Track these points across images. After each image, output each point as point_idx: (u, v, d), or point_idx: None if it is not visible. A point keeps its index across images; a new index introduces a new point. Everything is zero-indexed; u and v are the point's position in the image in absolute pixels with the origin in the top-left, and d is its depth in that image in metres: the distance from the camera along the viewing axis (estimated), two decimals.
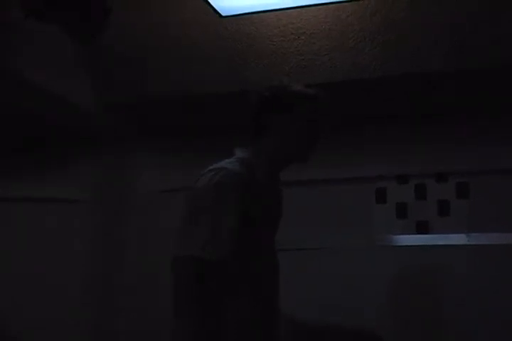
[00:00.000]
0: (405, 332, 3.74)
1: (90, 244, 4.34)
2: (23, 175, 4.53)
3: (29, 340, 4.15)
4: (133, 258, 4.27)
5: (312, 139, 2.44)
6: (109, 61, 3.58)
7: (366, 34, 3.29)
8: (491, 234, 3.72)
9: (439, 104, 3.79)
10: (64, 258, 4.32)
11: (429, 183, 3.94)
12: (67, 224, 4.38)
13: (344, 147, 4.01)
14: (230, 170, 2.27)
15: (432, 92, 3.58)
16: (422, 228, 3.90)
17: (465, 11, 3.11)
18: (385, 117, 3.92)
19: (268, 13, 3.25)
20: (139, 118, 4.07)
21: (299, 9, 3.25)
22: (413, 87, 3.52)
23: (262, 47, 3.42)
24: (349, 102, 3.63)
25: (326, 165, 3.79)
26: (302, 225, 3.87)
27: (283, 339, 2.43)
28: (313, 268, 3.92)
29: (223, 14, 3.20)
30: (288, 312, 2.51)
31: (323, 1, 3.15)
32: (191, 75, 3.54)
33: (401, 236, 3.91)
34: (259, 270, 2.35)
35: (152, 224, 4.24)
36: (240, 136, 2.44)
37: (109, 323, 4.19)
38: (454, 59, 3.23)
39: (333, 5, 3.19)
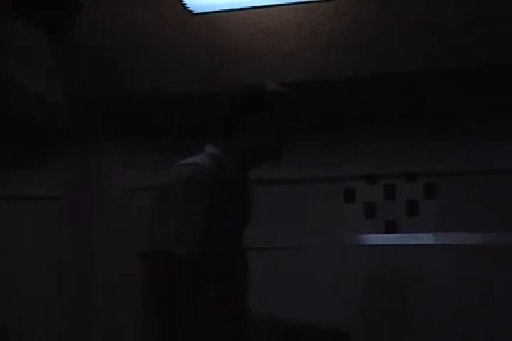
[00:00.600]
0: (374, 331, 3.78)
1: (64, 242, 4.28)
2: None
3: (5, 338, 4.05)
4: (105, 256, 4.22)
5: (286, 138, 2.43)
6: (82, 58, 3.52)
7: (337, 34, 3.28)
8: (458, 234, 3.76)
9: (410, 105, 3.80)
10: (37, 255, 4.25)
11: (398, 183, 3.95)
12: (41, 222, 4.31)
13: (313, 147, 4.00)
14: (200, 165, 2.25)
15: (403, 93, 3.58)
16: (390, 228, 3.92)
17: (436, 10, 3.10)
18: (355, 117, 3.92)
19: (240, 12, 3.20)
20: (114, 117, 4.01)
21: (269, 8, 3.20)
22: (384, 88, 3.51)
23: (234, 45, 3.39)
24: (319, 102, 3.60)
25: (296, 165, 3.77)
26: (272, 224, 3.87)
27: (255, 337, 2.38)
28: (283, 267, 3.93)
29: (195, 12, 3.15)
30: (260, 311, 2.46)
31: (294, 1, 3.12)
32: (163, 74, 3.50)
33: (370, 236, 3.93)
34: (228, 267, 2.33)
35: (125, 221, 4.20)
36: (213, 135, 2.41)
37: (84, 322, 4.16)
38: (426, 59, 3.23)
39: (304, 4, 3.17)
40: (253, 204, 2.56)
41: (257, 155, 2.43)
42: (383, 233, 3.91)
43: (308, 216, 4.01)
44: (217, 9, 3.17)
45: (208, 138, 2.43)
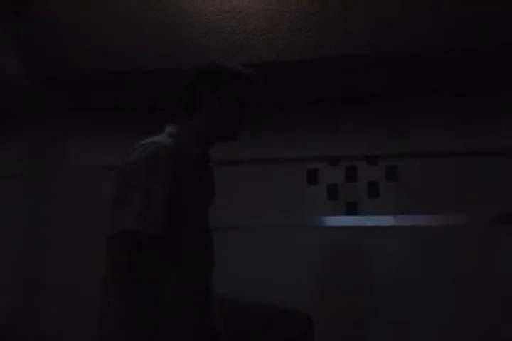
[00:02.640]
0: (336, 310, 3.79)
1: (19, 218, 4.21)
2: None
3: None
4: (60, 234, 4.15)
5: (244, 118, 2.39)
6: (40, 34, 3.40)
7: (302, 15, 3.21)
8: (417, 216, 3.77)
9: (372, 87, 3.75)
10: None
11: (360, 166, 3.93)
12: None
13: (277, 128, 3.95)
14: (160, 144, 2.21)
15: (364, 76, 3.52)
16: (351, 209, 3.90)
17: None
18: (318, 99, 3.89)
19: None
20: (71, 93, 3.90)
21: None
22: (346, 70, 3.44)
23: (198, 24, 3.29)
24: (283, 83, 3.53)
25: (261, 146, 3.76)
26: (235, 204, 3.87)
27: (218, 316, 2.38)
28: (246, 247, 3.90)
29: None
30: (223, 290, 2.43)
31: None
32: (125, 50, 3.40)
33: (331, 217, 3.90)
34: (192, 245, 2.31)
35: (81, 199, 4.14)
36: (171, 113, 2.34)
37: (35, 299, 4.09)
38: (387, 43, 3.19)
39: None
40: (215, 183, 2.49)
41: (212, 133, 2.39)
42: (344, 214, 3.90)
43: (271, 196, 3.98)
44: None
45: (166, 116, 2.36)
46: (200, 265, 2.33)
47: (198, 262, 2.31)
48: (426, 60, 3.33)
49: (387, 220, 3.80)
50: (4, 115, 4.03)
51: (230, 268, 3.42)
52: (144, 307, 2.09)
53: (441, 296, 3.66)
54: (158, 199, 2.13)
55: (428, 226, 3.72)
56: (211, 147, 2.42)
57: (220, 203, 2.57)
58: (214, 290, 2.38)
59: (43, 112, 4.10)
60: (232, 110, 2.36)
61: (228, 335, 2.36)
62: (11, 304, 4.05)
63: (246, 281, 3.63)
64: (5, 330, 3.91)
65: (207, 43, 3.30)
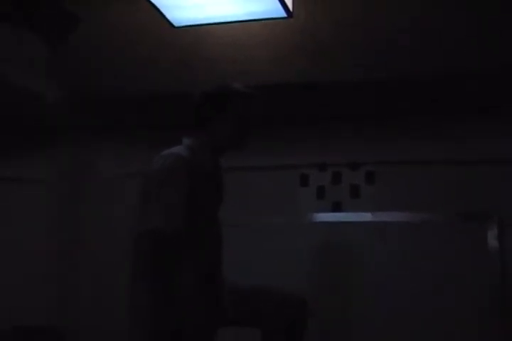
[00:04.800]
0: (326, 297, 3.76)
1: (56, 221, 4.16)
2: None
3: None
4: (95, 235, 4.11)
5: (247, 131, 2.39)
6: (78, 64, 3.41)
7: (295, 46, 3.25)
8: (392, 213, 3.78)
9: (354, 108, 3.80)
10: (29, 233, 4.14)
11: (344, 171, 3.96)
12: (35, 203, 4.21)
13: (276, 139, 3.99)
14: (177, 155, 2.23)
15: (347, 97, 3.56)
16: (336, 207, 3.91)
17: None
18: (309, 117, 3.92)
19: (215, 26, 3.11)
20: (105, 113, 3.91)
21: (241, 23, 3.11)
22: (337, 92, 3.49)
23: (207, 54, 3.33)
24: (279, 103, 3.55)
25: (261, 155, 3.78)
26: (240, 204, 3.80)
27: (226, 300, 2.33)
28: (248, 241, 3.88)
29: (176, 25, 3.05)
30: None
31: (261, 17, 3.03)
32: (146, 78, 3.42)
33: (320, 214, 3.93)
34: (205, 240, 2.29)
35: (107, 202, 4.11)
36: (187, 129, 2.36)
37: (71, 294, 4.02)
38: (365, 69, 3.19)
39: (271, 21, 3.08)
40: (225, 186, 2.49)
41: (222, 145, 2.38)
42: (330, 212, 3.92)
43: (269, 197, 4.00)
44: (194, 23, 3.04)
45: (184, 131, 2.36)
46: (211, 257, 2.32)
47: (210, 254, 2.31)
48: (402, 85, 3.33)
49: (365, 216, 3.83)
50: (44, 132, 4.02)
51: (234, 260, 3.41)
52: (166, 292, 2.08)
53: (414, 280, 3.66)
54: (177, 202, 2.14)
55: (400, 221, 3.75)
56: (221, 156, 2.42)
57: (227, 203, 2.55)
58: (223, 278, 2.37)
59: (77, 129, 4.08)
60: (237, 124, 2.35)
61: (235, 316, 2.34)
62: (48, 301, 3.99)
63: (248, 271, 3.61)
64: (42, 326, 3.84)
65: (213, 70, 3.30)
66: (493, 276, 3.51)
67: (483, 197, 3.62)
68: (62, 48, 2.83)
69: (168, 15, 2.99)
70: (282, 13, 2.95)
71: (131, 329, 2.11)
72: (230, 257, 2.42)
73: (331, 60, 3.26)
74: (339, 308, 3.75)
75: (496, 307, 3.46)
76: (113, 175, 4.15)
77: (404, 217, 3.73)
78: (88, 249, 4.07)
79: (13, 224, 4.17)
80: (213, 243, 2.34)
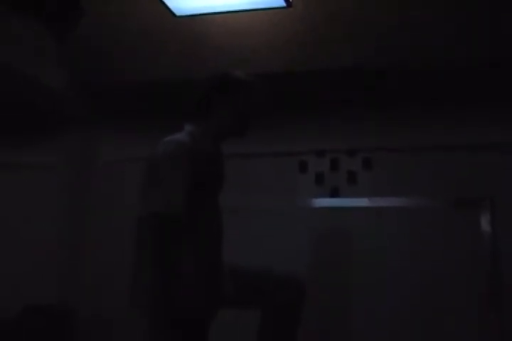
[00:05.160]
0: (323, 278, 3.77)
1: (65, 204, 4.17)
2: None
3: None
4: (100, 218, 4.12)
5: (249, 118, 2.40)
6: (83, 53, 3.41)
7: (293, 35, 3.25)
8: (388, 198, 3.79)
9: (352, 95, 3.79)
10: (41, 216, 4.18)
11: (342, 158, 3.96)
12: (44, 188, 4.23)
13: (276, 127, 3.99)
14: (179, 141, 2.24)
15: (344, 84, 3.55)
16: (334, 193, 3.93)
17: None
18: (310, 105, 3.92)
19: (216, 16, 3.11)
20: (108, 100, 3.91)
21: (241, 13, 3.12)
22: (329, 79, 3.49)
23: (209, 42, 3.34)
24: (279, 90, 3.56)
25: (263, 142, 3.77)
26: (241, 190, 3.86)
27: (227, 280, 2.36)
28: (250, 225, 3.90)
29: (177, 14, 3.05)
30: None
31: (261, 7, 3.03)
32: (152, 65, 3.42)
33: (318, 199, 3.93)
34: (206, 223, 2.31)
35: (114, 187, 4.10)
36: (189, 116, 2.37)
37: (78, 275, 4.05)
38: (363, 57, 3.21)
39: (269, 10, 3.08)
40: (225, 171, 2.50)
41: (225, 131, 2.39)
42: (329, 197, 3.92)
43: (271, 182, 4.01)
44: (196, 13, 3.04)
45: (186, 117, 2.36)
46: (212, 240, 2.33)
47: (210, 238, 2.32)
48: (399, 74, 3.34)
49: (362, 201, 3.84)
50: (51, 118, 4.02)
51: (235, 243, 3.44)
52: (167, 275, 2.09)
53: (410, 262, 3.67)
54: (179, 187, 2.15)
55: (395, 206, 3.75)
56: (223, 142, 2.43)
57: (229, 189, 2.56)
58: (223, 261, 2.38)
59: (83, 116, 4.08)
60: (239, 111, 2.36)
61: (235, 297, 2.36)
62: (63, 284, 4.03)
63: (248, 254, 3.66)
64: (52, 305, 3.85)
65: (215, 58, 3.32)
66: (485, 259, 3.52)
67: (477, 184, 3.63)
68: (68, 38, 2.83)
69: (170, 5, 3.00)
70: (282, 3, 2.96)
71: (133, 308, 2.14)
72: (230, 241, 2.44)
73: (327, 48, 3.26)
74: (337, 290, 3.76)
75: (488, 288, 3.48)
76: (115, 161, 4.15)
77: (400, 202, 3.74)
78: (94, 232, 4.10)
79: (23, 208, 4.23)
80: (214, 226, 2.35)
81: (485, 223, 3.55)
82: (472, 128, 3.69)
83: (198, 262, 2.24)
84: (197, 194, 2.23)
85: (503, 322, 3.40)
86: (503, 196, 3.56)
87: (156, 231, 2.08)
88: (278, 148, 4.02)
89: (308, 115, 3.97)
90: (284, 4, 2.95)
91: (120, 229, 3.85)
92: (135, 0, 3.00)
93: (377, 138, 3.87)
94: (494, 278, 3.48)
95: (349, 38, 3.20)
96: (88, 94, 3.76)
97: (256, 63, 3.30)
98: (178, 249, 2.17)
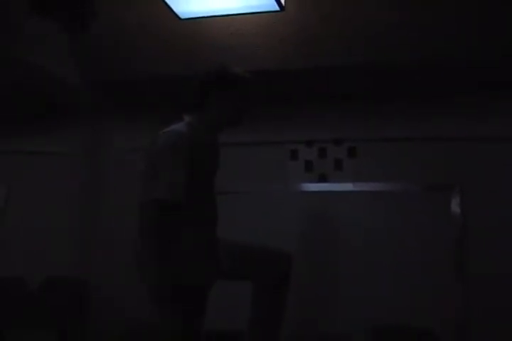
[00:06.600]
0: (312, 258, 3.83)
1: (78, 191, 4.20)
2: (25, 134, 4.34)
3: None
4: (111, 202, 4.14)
5: (244, 110, 2.42)
6: (93, 51, 3.43)
7: (286, 36, 3.26)
8: (370, 184, 3.83)
9: (340, 88, 3.79)
10: (54, 202, 4.19)
11: (329, 146, 4.00)
12: (60, 174, 4.24)
13: (271, 119, 3.99)
14: (179, 132, 2.26)
15: (334, 79, 3.60)
16: (322, 179, 3.98)
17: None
18: (300, 97, 3.93)
19: (217, 18, 3.13)
20: (116, 94, 3.94)
21: (240, 16, 3.13)
22: (315, 76, 3.55)
23: (210, 42, 3.35)
24: (274, 85, 3.59)
25: (257, 132, 3.80)
26: (235, 175, 3.83)
27: (223, 255, 2.39)
28: (245, 207, 3.92)
29: (182, 17, 3.08)
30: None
31: (258, 11, 3.05)
32: (156, 61, 3.45)
33: (307, 184, 3.98)
34: (203, 207, 2.34)
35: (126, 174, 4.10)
36: (188, 107, 2.39)
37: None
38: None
39: (266, 14, 3.10)
40: (220, 160, 2.54)
41: (222, 122, 2.41)
42: (317, 182, 3.96)
43: (263, 169, 4.03)
44: (199, 16, 3.07)
45: (185, 109, 2.39)
46: (208, 219, 2.38)
47: (206, 218, 2.37)
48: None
49: (348, 187, 3.89)
50: (65, 110, 4.04)
51: (228, 223, 3.49)
52: (169, 250, 2.13)
53: (388, 240, 3.73)
54: (180, 174, 2.17)
55: (377, 191, 3.80)
56: (219, 132, 2.46)
57: (224, 174, 2.59)
58: (217, 237, 2.44)
59: (95, 109, 4.10)
60: (235, 104, 2.38)
61: (229, 270, 2.41)
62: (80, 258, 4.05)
63: (241, 235, 3.66)
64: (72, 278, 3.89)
65: (216, 55, 3.34)
66: (455, 236, 3.60)
67: (449, 170, 3.70)
68: (82, 38, 2.85)
69: (175, 9, 3.02)
70: (275, 7, 2.99)
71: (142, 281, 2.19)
72: (224, 222, 2.46)
73: (317, 48, 3.29)
74: (323, 264, 3.82)
75: (456, 262, 3.56)
76: (123, 150, 4.17)
77: (381, 186, 3.80)
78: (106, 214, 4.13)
79: (38, 193, 4.24)
80: (210, 209, 2.39)
81: (454, 205, 3.63)
82: (449, 120, 3.73)
83: (197, 239, 2.28)
84: (195, 180, 2.24)
85: (466, 289, 3.48)
86: (472, 181, 3.61)
87: (158, 215, 2.10)
88: (271, 137, 4.05)
89: (298, 108, 3.99)
90: (278, 8, 2.99)
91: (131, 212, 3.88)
92: (144, 5, 3.03)
93: (362, 129, 3.91)
94: (461, 251, 3.56)
95: (339, 38, 3.23)
96: (101, 88, 3.78)
97: (251, 61, 3.32)
98: (178, 230, 2.20)
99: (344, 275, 3.75)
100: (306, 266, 3.71)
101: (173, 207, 2.13)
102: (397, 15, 2.99)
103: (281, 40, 3.29)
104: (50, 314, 3.54)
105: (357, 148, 3.93)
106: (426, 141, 3.78)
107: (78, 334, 3.52)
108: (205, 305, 2.33)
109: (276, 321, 2.40)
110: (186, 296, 2.19)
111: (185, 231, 2.24)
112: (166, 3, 2.96)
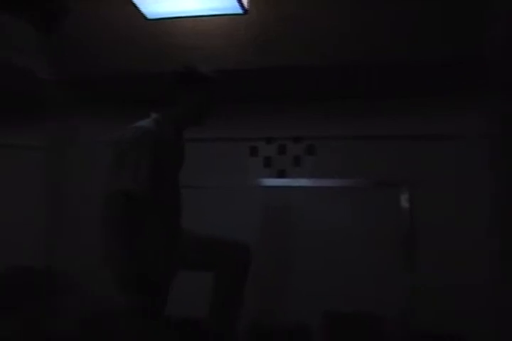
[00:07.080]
0: (270, 250, 3.88)
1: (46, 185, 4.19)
2: None
3: None
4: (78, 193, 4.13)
5: (209, 108, 2.47)
6: (66, 47, 3.45)
7: (247, 37, 3.33)
8: (327, 179, 3.91)
9: (298, 88, 3.87)
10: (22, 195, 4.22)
11: (288, 144, 4.08)
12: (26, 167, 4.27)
13: (233, 116, 3.97)
14: (145, 127, 2.31)
15: (288, 79, 3.66)
16: (281, 174, 4.06)
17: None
18: (260, 96, 3.98)
19: (183, 19, 3.20)
20: (83, 89, 3.95)
21: (204, 17, 3.21)
22: (276, 76, 3.61)
23: (175, 41, 3.39)
24: (235, 84, 3.62)
25: (218, 128, 3.81)
26: (197, 170, 3.87)
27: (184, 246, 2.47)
28: (204, 201, 3.95)
29: (149, 17, 3.14)
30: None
31: (221, 13, 3.14)
32: (125, 59, 3.48)
33: (266, 180, 4.04)
34: (168, 199, 2.40)
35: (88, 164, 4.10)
36: (155, 105, 2.43)
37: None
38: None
39: (229, 16, 3.19)
40: (185, 155, 2.61)
41: (187, 120, 2.46)
42: (276, 178, 4.04)
43: (224, 164, 4.07)
44: (165, 16, 3.14)
45: (152, 106, 2.44)
46: (172, 211, 2.45)
47: (171, 209, 2.43)
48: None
49: (305, 182, 3.95)
50: (38, 103, 4.03)
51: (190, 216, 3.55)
52: (134, 240, 2.18)
53: (341, 233, 3.81)
54: (146, 167, 2.22)
55: (333, 186, 3.87)
56: (184, 129, 2.51)
57: (186, 169, 2.66)
58: (181, 228, 2.51)
59: (66, 103, 4.10)
60: (200, 102, 2.42)
61: (191, 261, 2.48)
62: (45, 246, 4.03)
63: (202, 225, 3.70)
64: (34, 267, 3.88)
65: (180, 55, 3.38)
66: (404, 229, 3.72)
67: (399, 168, 3.79)
68: (53, 36, 2.88)
69: (143, 9, 3.09)
70: (239, 10, 3.08)
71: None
72: (187, 215, 2.53)
73: (277, 49, 3.35)
74: (281, 257, 3.90)
75: (404, 253, 3.66)
76: (92, 143, 4.18)
77: (337, 182, 3.87)
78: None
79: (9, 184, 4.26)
80: (174, 201, 2.45)
81: (404, 201, 3.73)
82: (404, 119, 3.81)
83: (161, 230, 2.34)
84: (160, 173, 2.30)
85: (413, 279, 3.57)
86: (421, 178, 3.71)
87: (124, 206, 2.14)
88: (232, 134, 4.07)
89: (259, 106, 4.02)
90: (241, 11, 3.09)
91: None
92: (112, 4, 3.08)
93: (320, 128, 3.96)
94: (411, 241, 3.67)
95: (298, 39, 3.30)
96: (70, 83, 3.80)
97: (215, 60, 3.38)
98: (143, 221, 2.25)
99: (300, 266, 3.82)
100: (265, 258, 3.66)
101: (138, 197, 2.17)
102: (358, 16, 3.09)
103: (243, 41, 3.34)
104: (15, 302, 3.57)
105: (315, 146, 3.99)
106: (379, 139, 3.85)
107: (43, 321, 3.56)
108: (168, 294, 2.40)
109: (234, 310, 2.45)
110: (151, 286, 2.22)
111: (150, 222, 2.29)
112: (133, 4, 3.03)
